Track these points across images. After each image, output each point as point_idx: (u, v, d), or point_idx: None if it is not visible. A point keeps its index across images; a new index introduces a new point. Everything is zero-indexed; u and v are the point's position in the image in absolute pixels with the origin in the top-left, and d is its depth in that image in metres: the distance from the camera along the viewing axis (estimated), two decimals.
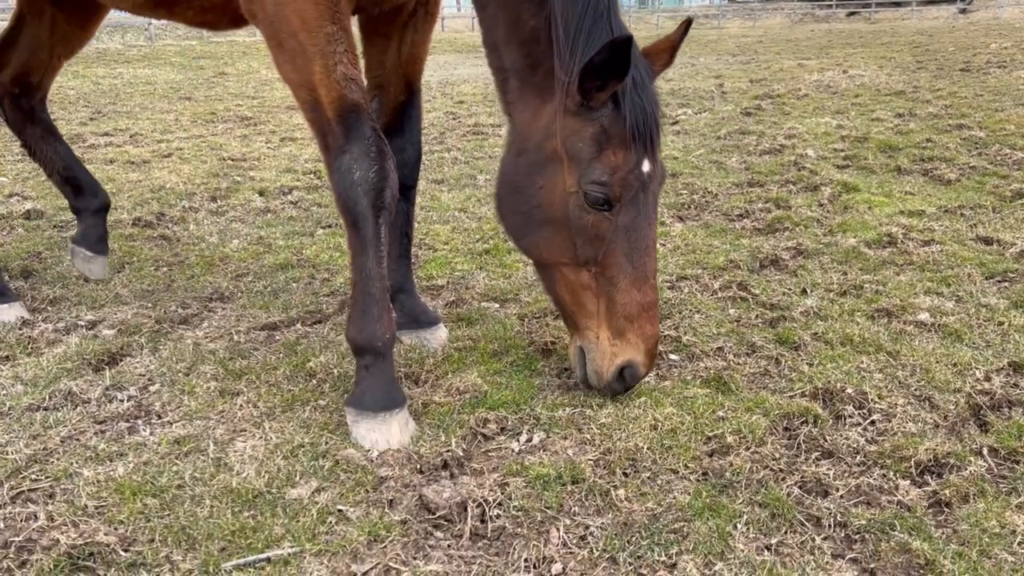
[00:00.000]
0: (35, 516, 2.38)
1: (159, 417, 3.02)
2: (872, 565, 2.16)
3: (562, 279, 2.95)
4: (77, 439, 2.85)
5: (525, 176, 2.90)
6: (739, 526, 2.32)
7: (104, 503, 2.45)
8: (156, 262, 4.83)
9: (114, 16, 32.05)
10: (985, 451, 2.65)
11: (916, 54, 18.19)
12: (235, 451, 2.75)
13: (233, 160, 7.92)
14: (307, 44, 2.75)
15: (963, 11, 39.64)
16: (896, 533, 2.25)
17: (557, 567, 2.19)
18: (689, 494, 2.48)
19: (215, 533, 2.30)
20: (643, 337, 2.85)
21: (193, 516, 2.38)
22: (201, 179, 7.05)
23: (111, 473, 2.60)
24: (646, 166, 2.80)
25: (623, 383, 2.94)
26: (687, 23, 2.84)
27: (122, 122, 10.40)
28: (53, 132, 4.41)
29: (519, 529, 2.34)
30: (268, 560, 2.19)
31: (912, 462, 2.58)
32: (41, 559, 2.18)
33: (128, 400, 3.14)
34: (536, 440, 2.84)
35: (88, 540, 2.24)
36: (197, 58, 21.31)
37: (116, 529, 2.32)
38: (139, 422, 2.99)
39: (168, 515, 2.40)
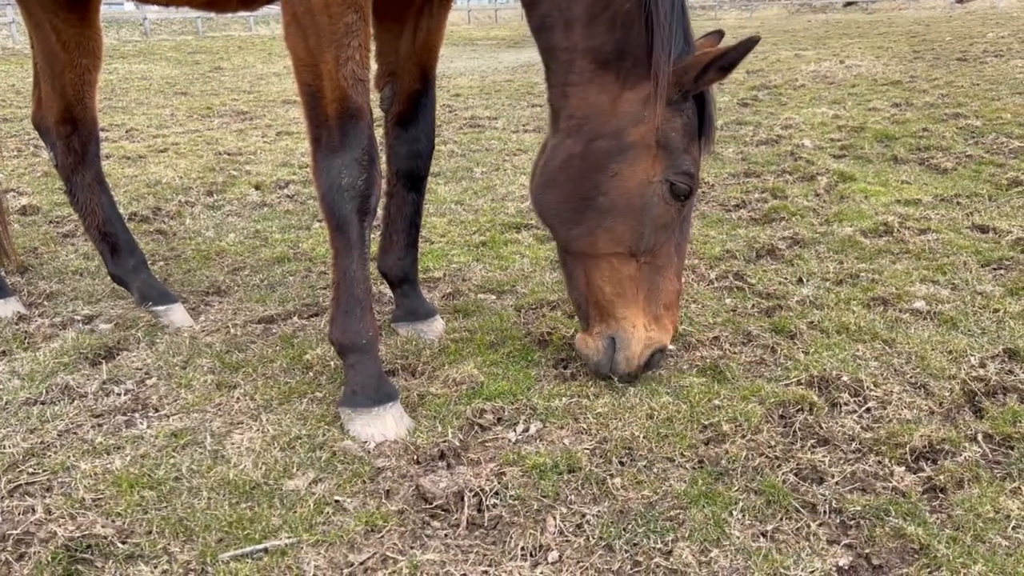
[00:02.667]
0: (33, 509, 2.38)
1: (156, 410, 3.02)
2: (867, 550, 2.17)
3: (607, 270, 2.92)
4: (74, 432, 2.85)
5: (598, 161, 2.83)
6: (735, 513, 2.33)
7: (101, 496, 2.45)
8: (152, 256, 4.83)
9: (109, 12, 31.95)
10: (980, 437, 2.66)
11: (913, 44, 18.16)
12: (232, 443, 2.76)
13: (229, 154, 7.91)
14: (324, 28, 2.65)
15: (960, 1, 39.56)
16: (891, 519, 2.26)
17: (553, 555, 2.19)
18: (685, 482, 2.49)
19: (212, 524, 2.31)
20: (672, 322, 3.01)
21: (190, 508, 2.39)
22: (197, 173, 7.04)
23: (108, 466, 2.61)
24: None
25: (647, 367, 3.03)
26: (719, 34, 2.95)
27: (118, 117, 10.38)
28: (102, 182, 4.06)
29: (516, 518, 2.35)
30: (265, 551, 2.20)
31: (907, 448, 2.58)
32: (39, 552, 2.18)
33: (125, 394, 3.14)
34: (533, 430, 2.84)
35: (86, 532, 2.24)
36: (193, 53, 21.25)
37: (113, 521, 2.32)
38: (136, 415, 2.99)
39: (165, 507, 2.40)
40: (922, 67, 13.31)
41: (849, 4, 44.65)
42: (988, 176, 6.08)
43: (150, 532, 2.29)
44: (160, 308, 3.85)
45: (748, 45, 2.63)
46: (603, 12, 2.74)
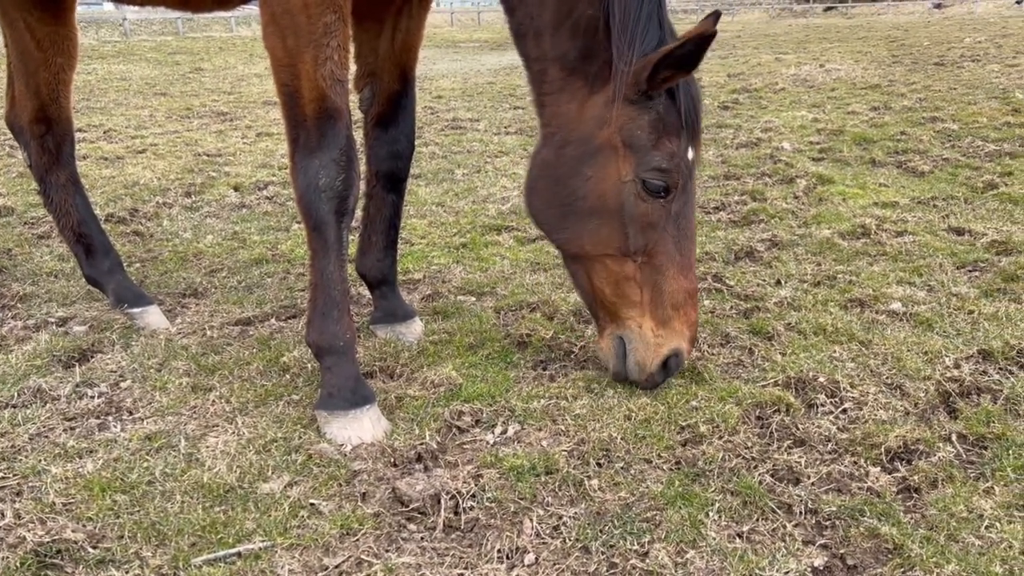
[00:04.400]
0: (2, 514, 2.34)
1: (130, 413, 2.99)
2: (842, 550, 2.18)
3: (604, 271, 2.90)
4: (46, 436, 2.81)
5: (570, 167, 2.85)
6: (711, 514, 2.33)
7: (72, 500, 2.42)
8: (129, 258, 4.78)
9: (88, 12, 31.67)
10: (954, 437, 2.68)
11: (892, 48, 18.35)
12: (207, 446, 2.73)
13: (208, 155, 7.85)
14: (303, 28, 2.65)
15: (937, 6, 40.02)
16: (865, 519, 2.27)
17: (530, 557, 2.19)
18: (662, 483, 2.49)
19: (185, 528, 2.28)
20: (688, 324, 2.88)
21: (163, 512, 2.36)
22: (175, 175, 6.98)
23: (80, 470, 2.57)
24: (690, 153, 2.85)
25: (665, 373, 2.93)
26: (716, 15, 2.80)
27: (96, 118, 10.28)
28: (76, 183, 4.00)
29: (492, 520, 2.34)
30: (239, 555, 2.17)
31: (882, 449, 2.60)
32: (7, 557, 2.15)
33: (99, 397, 3.10)
34: (511, 432, 2.84)
35: (56, 537, 2.21)
36: (173, 53, 21.10)
37: (84, 526, 2.29)
38: (110, 418, 2.95)
39: (138, 511, 2.37)
40: (900, 71, 13.45)
41: (829, 9, 45.06)
42: (964, 179, 6.15)
43: (122, 537, 2.26)
44: (136, 310, 3.81)
45: (697, 41, 2.56)
46: (567, 19, 2.77)
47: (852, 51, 18.04)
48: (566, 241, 2.96)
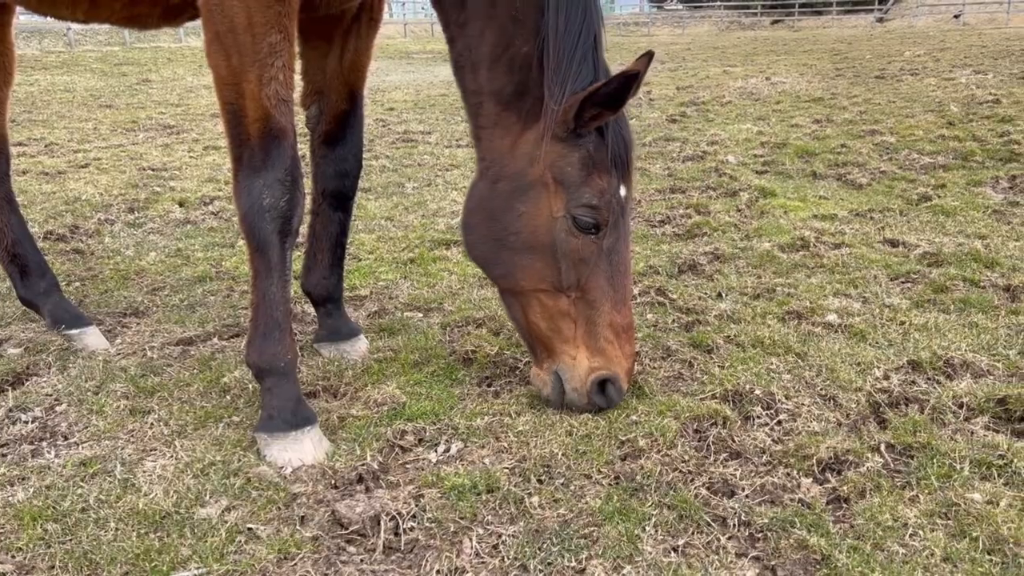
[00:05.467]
0: None
1: (65, 438, 2.93)
2: (773, 562, 2.24)
3: (538, 306, 2.92)
4: None
5: (504, 203, 2.87)
6: (648, 528, 2.37)
7: (1, 530, 2.37)
8: (68, 277, 4.69)
9: (30, 21, 30.90)
10: (882, 447, 2.76)
11: (835, 61, 18.84)
12: (144, 471, 2.69)
13: (153, 170, 7.74)
14: (247, 47, 2.64)
15: (880, 20, 41.17)
16: (795, 530, 2.33)
17: None
18: (601, 498, 2.52)
19: (119, 557, 2.24)
20: (624, 355, 2.90)
21: (96, 540, 2.32)
22: (119, 190, 6.87)
23: (10, 499, 2.52)
24: (622, 191, 2.87)
25: (605, 398, 2.94)
26: (649, 56, 2.80)
27: (37, 131, 10.05)
28: (11, 201, 3.93)
29: (432, 541, 2.35)
30: None
31: (814, 460, 2.67)
32: None
33: (32, 421, 3.04)
34: (454, 450, 2.85)
35: None
36: (119, 64, 20.73)
37: (13, 557, 2.24)
38: (43, 444, 2.89)
39: (70, 540, 2.33)
40: (843, 84, 13.81)
41: (776, 22, 46.06)
42: (900, 191, 6.34)
43: (52, 567, 2.22)
44: (73, 331, 3.74)
45: (621, 80, 2.60)
46: (503, 54, 2.81)
47: (798, 64, 18.47)
48: (500, 276, 2.99)
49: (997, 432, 2.83)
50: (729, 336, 3.67)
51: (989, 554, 2.21)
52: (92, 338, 3.73)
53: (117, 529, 2.37)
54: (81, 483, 2.63)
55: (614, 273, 2.89)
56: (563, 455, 2.76)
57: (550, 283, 2.88)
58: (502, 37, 2.78)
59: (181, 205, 6.38)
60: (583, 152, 2.79)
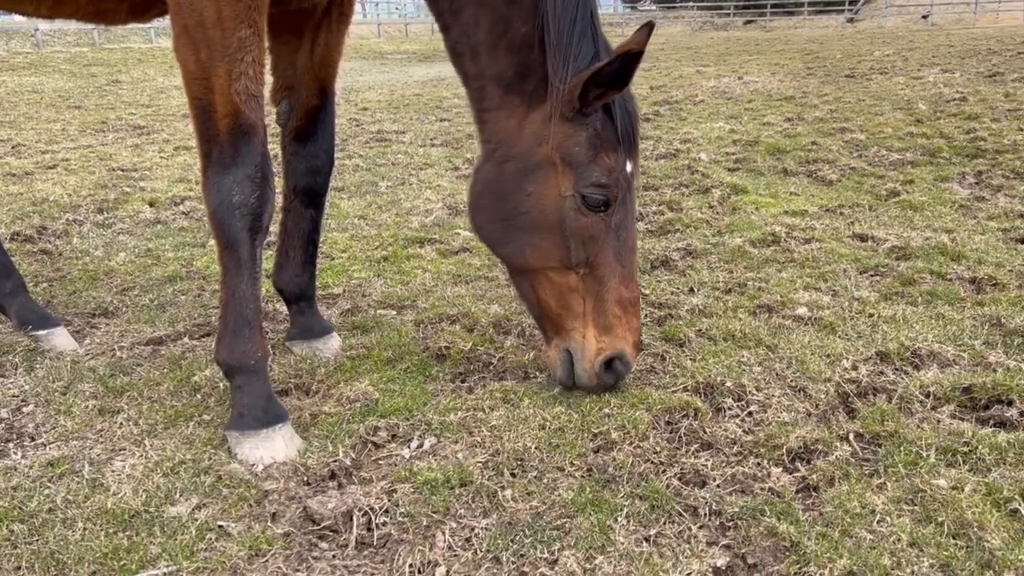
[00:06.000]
0: None
1: (32, 439, 2.89)
2: (743, 550, 2.26)
3: (548, 284, 2.95)
4: None
5: (512, 183, 2.89)
6: (620, 519, 2.38)
7: None
8: (35, 278, 4.62)
9: None
10: (851, 436, 2.80)
11: (807, 61, 19.03)
12: (112, 471, 2.66)
13: (123, 170, 7.65)
14: (216, 42, 2.62)
15: (850, 20, 41.66)
16: (765, 518, 2.35)
17: (441, 571, 2.20)
18: (573, 490, 2.53)
19: (86, 556, 2.22)
20: (630, 329, 2.95)
21: (63, 540, 2.29)
22: (88, 191, 6.78)
23: None
24: (629, 167, 2.91)
25: (613, 375, 2.99)
26: (649, 26, 2.81)
27: (3, 132, 9.90)
28: None
29: (405, 535, 2.34)
30: None
31: (784, 450, 2.70)
32: None
33: None
34: (427, 445, 2.84)
35: None
36: (89, 65, 20.46)
37: None
38: (10, 445, 2.85)
39: (36, 540, 2.30)
40: (814, 83, 13.96)
41: (749, 22, 46.44)
42: (869, 187, 6.42)
43: (19, 568, 2.19)
44: (41, 332, 3.68)
45: (624, 59, 2.62)
46: (502, 38, 2.80)
47: (770, 63, 18.64)
48: (510, 255, 3.01)
49: (962, 420, 2.88)
50: (701, 330, 3.70)
51: (954, 538, 2.25)
52: (60, 339, 3.68)
53: (85, 529, 2.34)
54: (48, 483, 2.59)
55: (622, 248, 2.93)
56: (536, 448, 2.77)
57: (559, 261, 2.90)
58: (498, 20, 2.79)
59: (151, 205, 6.31)
60: (590, 131, 2.80)
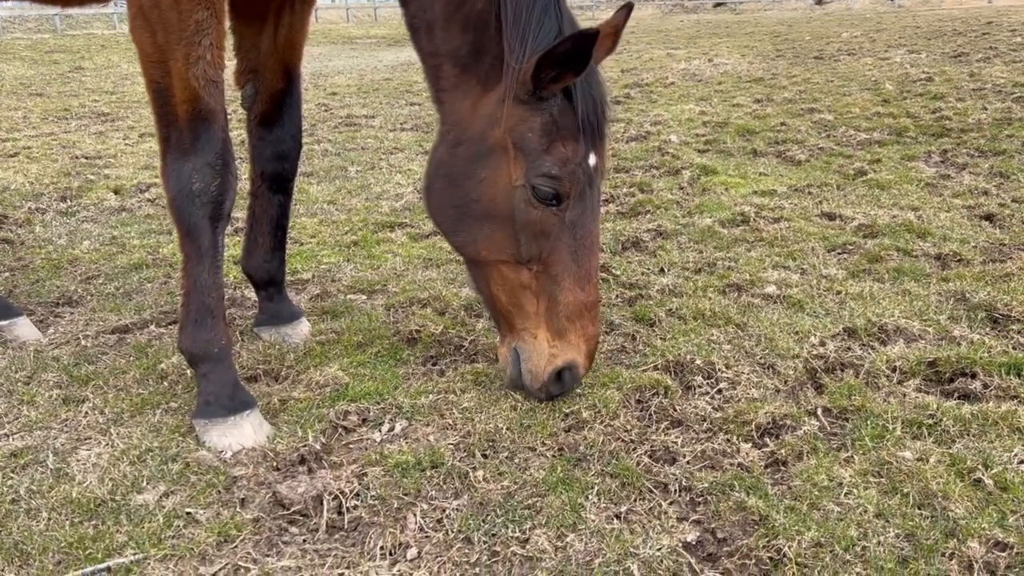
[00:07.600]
0: None
1: None
2: (713, 525, 2.28)
3: (499, 278, 2.77)
4: None
5: (464, 168, 2.71)
6: (591, 497, 2.39)
7: None
8: None
9: None
10: (819, 411, 2.83)
11: (776, 43, 19.10)
12: (78, 460, 2.62)
13: (87, 158, 7.51)
14: (173, 24, 2.54)
15: (818, 2, 41.91)
16: (735, 493, 2.38)
17: (412, 552, 2.19)
18: (544, 470, 2.53)
19: (51, 546, 2.18)
20: (584, 337, 2.74)
21: (27, 530, 2.26)
22: (50, 179, 6.65)
23: None
24: (592, 160, 2.70)
25: (561, 385, 2.81)
26: (628, 8, 2.62)
27: None
28: None
29: (376, 518, 2.33)
30: (108, 570, 2.10)
31: (753, 425, 2.72)
32: None
33: None
34: (398, 429, 2.83)
35: None
36: (51, 52, 20.01)
37: None
38: None
39: (0, 531, 2.26)
40: (783, 65, 14.02)
41: (719, 5, 46.52)
42: (837, 167, 6.47)
43: None
44: (2, 323, 3.61)
45: (576, 39, 2.42)
46: (457, 12, 2.67)
47: (739, 46, 18.68)
48: (462, 244, 2.84)
49: (927, 393, 2.92)
50: (671, 309, 3.71)
51: (919, 508, 2.28)
52: (22, 328, 3.61)
53: (50, 519, 2.31)
54: (11, 474, 2.55)
55: (578, 248, 2.71)
56: (508, 429, 2.77)
57: (510, 254, 2.72)
58: None
59: (116, 193, 6.20)
60: (545, 117, 2.62)
